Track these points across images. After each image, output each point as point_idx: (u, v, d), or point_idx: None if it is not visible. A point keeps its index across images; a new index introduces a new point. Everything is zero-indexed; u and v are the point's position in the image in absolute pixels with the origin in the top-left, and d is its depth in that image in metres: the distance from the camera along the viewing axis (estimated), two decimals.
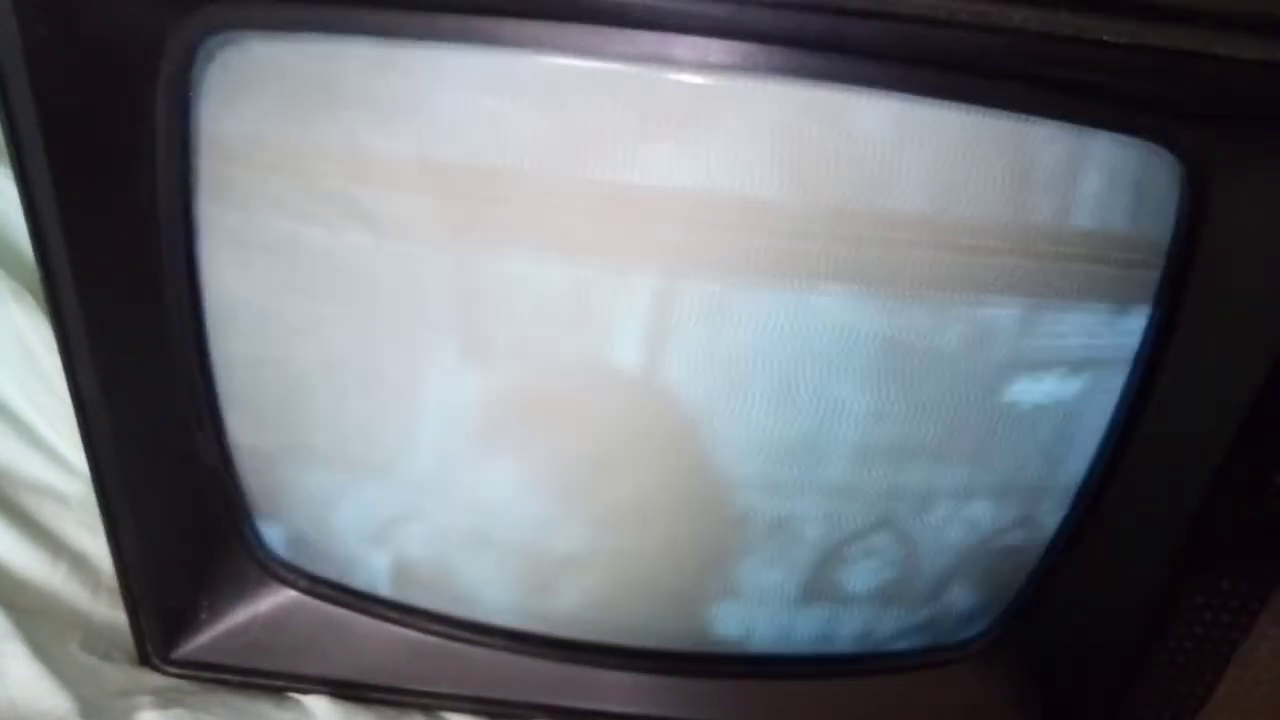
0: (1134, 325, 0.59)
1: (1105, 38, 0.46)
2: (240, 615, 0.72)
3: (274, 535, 0.71)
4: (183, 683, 0.71)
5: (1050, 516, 0.66)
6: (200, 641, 0.72)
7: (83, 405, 0.61)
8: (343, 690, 0.71)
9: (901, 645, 0.73)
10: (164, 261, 0.59)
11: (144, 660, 0.72)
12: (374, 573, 0.71)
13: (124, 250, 0.58)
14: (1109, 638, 0.67)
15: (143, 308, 0.60)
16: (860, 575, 0.68)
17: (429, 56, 0.52)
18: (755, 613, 0.70)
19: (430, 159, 0.54)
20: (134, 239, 0.58)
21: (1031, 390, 0.60)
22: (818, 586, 0.68)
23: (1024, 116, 0.52)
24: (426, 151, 0.54)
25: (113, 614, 0.73)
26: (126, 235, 0.58)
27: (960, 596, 0.70)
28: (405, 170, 0.54)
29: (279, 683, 0.72)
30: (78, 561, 0.76)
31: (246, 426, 0.66)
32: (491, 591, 0.70)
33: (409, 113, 0.53)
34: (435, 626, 0.72)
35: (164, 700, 0.68)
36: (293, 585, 0.72)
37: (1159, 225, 0.56)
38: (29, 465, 0.80)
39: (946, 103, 0.51)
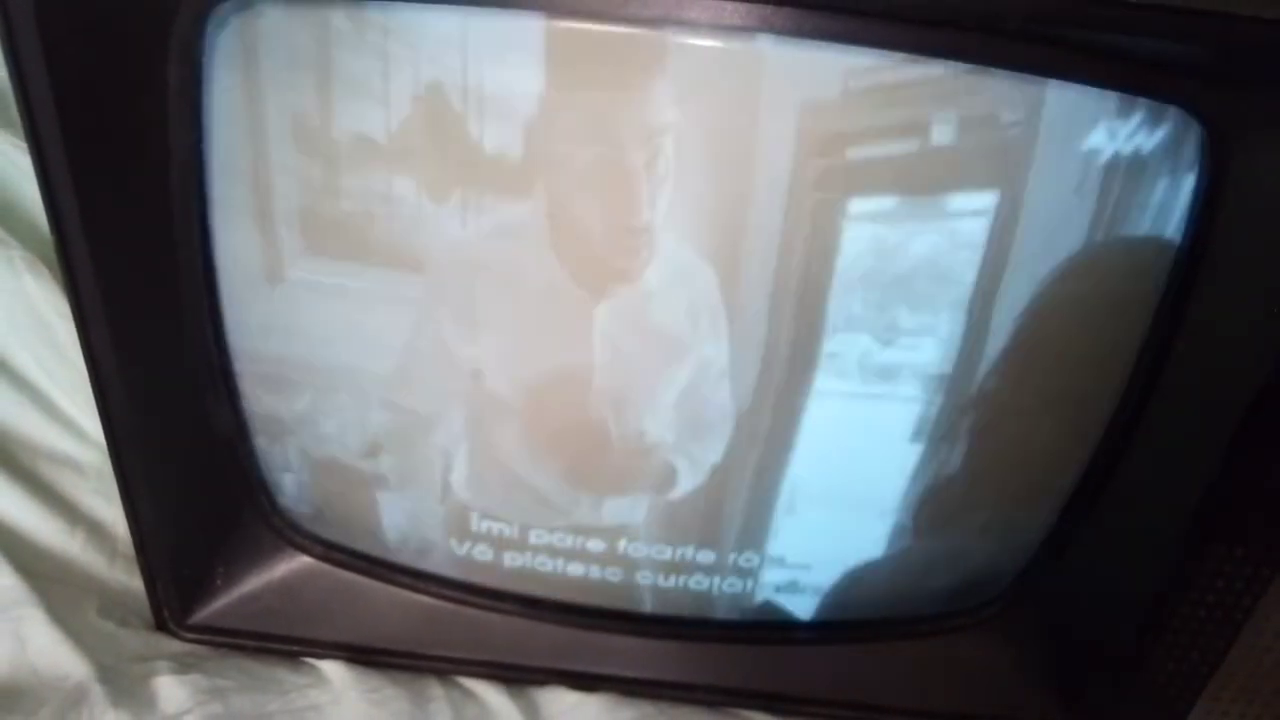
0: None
1: None
2: (255, 581, 0.73)
3: (288, 501, 0.72)
4: (199, 648, 0.72)
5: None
6: (216, 607, 0.72)
7: (98, 374, 0.61)
8: (358, 655, 0.72)
9: (916, 610, 0.73)
10: (177, 230, 0.59)
11: (161, 626, 0.72)
12: (386, 536, 0.71)
13: (138, 219, 0.58)
14: (1123, 603, 0.67)
15: (157, 276, 0.60)
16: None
17: (440, 20, 0.52)
18: (774, 575, 0.70)
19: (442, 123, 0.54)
20: (148, 208, 0.58)
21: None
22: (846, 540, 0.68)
23: (1042, 79, 0.52)
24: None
25: (129, 581, 0.74)
26: (140, 204, 0.58)
27: (976, 558, 0.70)
28: (418, 134, 0.55)
29: (294, 648, 0.72)
30: (94, 529, 0.76)
31: (260, 393, 0.66)
32: (511, 556, 0.71)
33: (421, 77, 0.53)
34: (449, 592, 0.73)
35: (181, 665, 0.68)
36: (307, 551, 0.73)
37: (1179, 191, 0.55)
38: (45, 435, 0.81)
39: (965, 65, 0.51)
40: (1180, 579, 0.64)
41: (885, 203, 0.56)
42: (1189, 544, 0.63)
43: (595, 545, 0.69)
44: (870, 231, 0.56)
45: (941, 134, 0.54)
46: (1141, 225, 0.57)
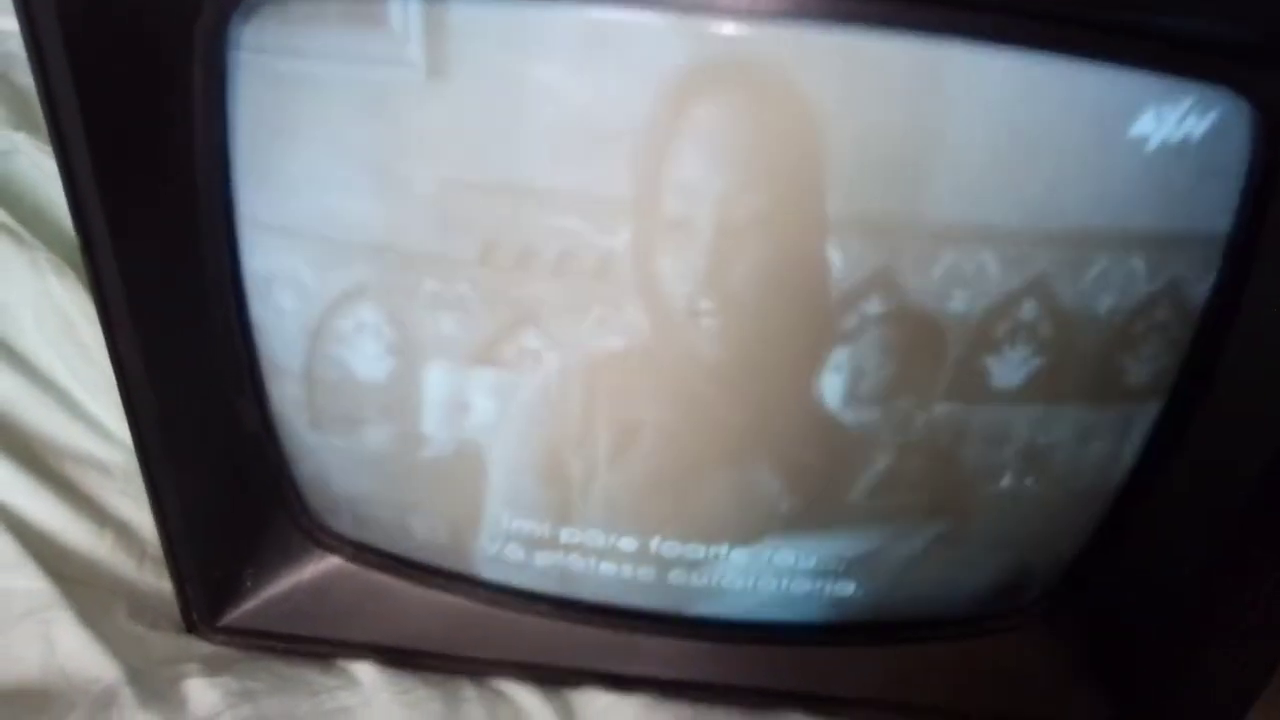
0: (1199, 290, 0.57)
1: None
2: (285, 582, 0.72)
3: (317, 502, 0.71)
4: (229, 650, 0.71)
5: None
6: (246, 609, 0.72)
7: (124, 375, 0.61)
8: (389, 657, 0.71)
9: (960, 609, 0.72)
10: (203, 230, 0.59)
11: (190, 628, 0.72)
12: (416, 536, 0.70)
13: (163, 218, 0.58)
14: (1175, 601, 0.66)
15: (182, 275, 0.60)
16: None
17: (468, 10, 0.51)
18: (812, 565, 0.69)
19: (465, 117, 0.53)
20: (173, 207, 0.57)
21: None
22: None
23: (1088, 61, 0.50)
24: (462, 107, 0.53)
25: (158, 583, 0.74)
26: (165, 203, 0.57)
27: (1021, 554, 0.69)
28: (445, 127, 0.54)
29: (325, 649, 0.72)
30: (122, 531, 0.76)
31: (287, 393, 0.66)
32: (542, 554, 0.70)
33: (449, 71, 0.52)
34: (480, 592, 0.72)
35: (211, 668, 0.68)
36: (337, 552, 0.72)
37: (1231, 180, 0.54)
38: (72, 436, 0.81)
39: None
40: (1236, 575, 0.63)
41: None
42: (1244, 539, 0.62)
43: (627, 544, 0.68)
44: None
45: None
46: (1192, 214, 0.55)
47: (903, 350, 0.59)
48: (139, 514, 0.76)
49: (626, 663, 0.71)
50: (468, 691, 0.70)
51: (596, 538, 0.68)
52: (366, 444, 0.66)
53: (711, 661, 0.72)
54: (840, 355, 0.59)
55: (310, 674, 0.70)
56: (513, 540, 0.69)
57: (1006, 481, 0.64)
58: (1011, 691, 0.71)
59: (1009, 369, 0.60)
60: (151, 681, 0.66)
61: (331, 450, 0.67)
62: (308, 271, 0.60)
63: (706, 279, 0.56)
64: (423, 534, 0.70)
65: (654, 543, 0.68)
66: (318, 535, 0.72)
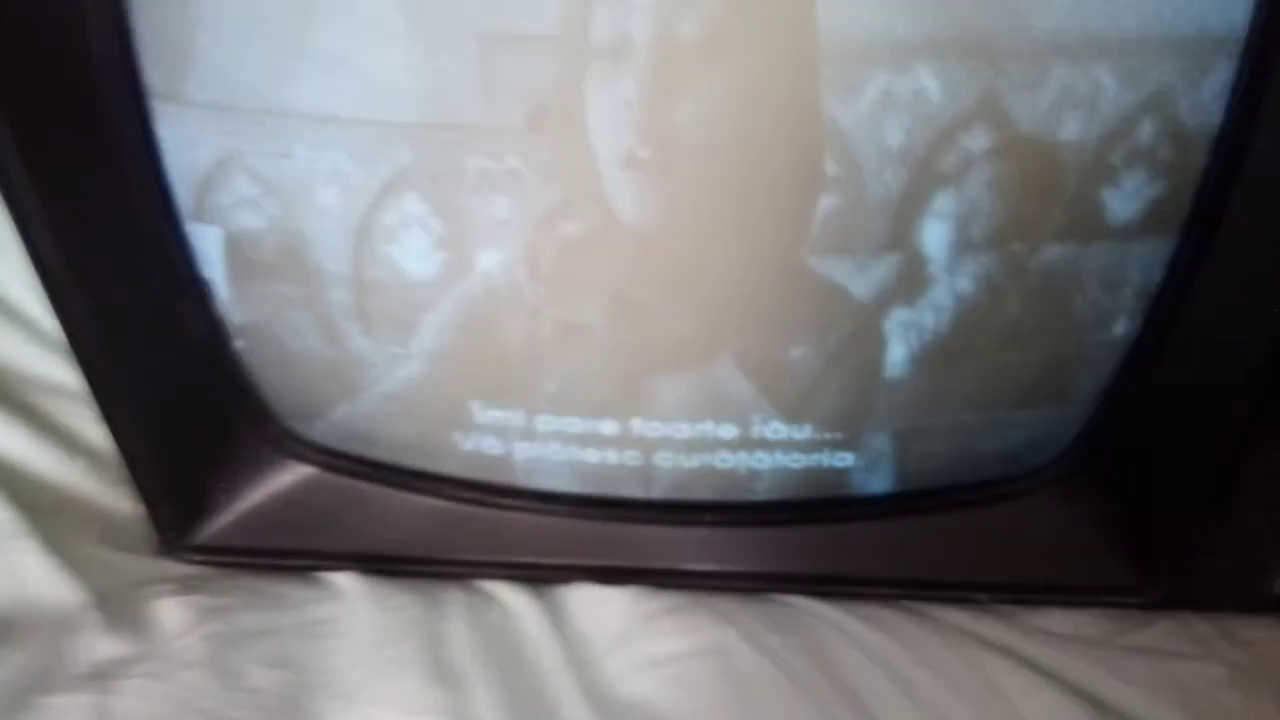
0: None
1: None
2: (258, 496, 0.69)
3: (285, 409, 0.67)
4: (205, 570, 0.69)
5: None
6: (219, 526, 0.69)
7: (50, 281, 0.57)
8: (371, 565, 0.68)
9: (971, 476, 0.67)
10: (112, 116, 0.54)
11: (164, 550, 0.69)
12: (388, 437, 0.67)
13: (66, 109, 0.54)
14: (1192, 463, 0.60)
15: (97, 167, 0.56)
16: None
17: None
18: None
19: None
20: (76, 97, 0.53)
21: None
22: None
23: None
24: None
25: (133, 507, 0.71)
26: (68, 93, 0.53)
27: (1033, 417, 0.64)
28: None
29: (304, 561, 0.69)
30: (94, 458, 0.74)
31: (237, 292, 0.62)
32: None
33: None
34: (460, 492, 0.68)
35: (184, 587, 0.65)
36: (309, 460, 0.69)
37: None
38: (39, 365, 0.79)
39: None
40: (1253, 433, 0.57)
41: None
42: (1261, 395, 0.56)
43: (608, 427, 0.64)
44: None
45: None
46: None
47: (1015, 188, 0.53)
48: (111, 439, 0.73)
49: (616, 555, 0.67)
50: (452, 594, 0.67)
51: (574, 424, 0.64)
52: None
53: (707, 547, 0.68)
54: (944, 200, 0.53)
55: (289, 588, 0.67)
56: (489, 433, 0.65)
57: (1120, 328, 0.59)
58: (1026, 561, 0.66)
59: (1125, 201, 0.54)
60: (119, 604, 0.63)
61: (293, 354, 0.64)
62: (348, 162, 0.54)
63: (644, 121, 0.51)
64: (401, 434, 0.67)
65: (635, 424, 0.64)
66: (288, 445, 0.69)
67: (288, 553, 0.69)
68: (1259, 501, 0.59)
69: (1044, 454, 0.66)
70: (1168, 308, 0.58)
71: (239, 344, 0.64)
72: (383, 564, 0.68)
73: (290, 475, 0.69)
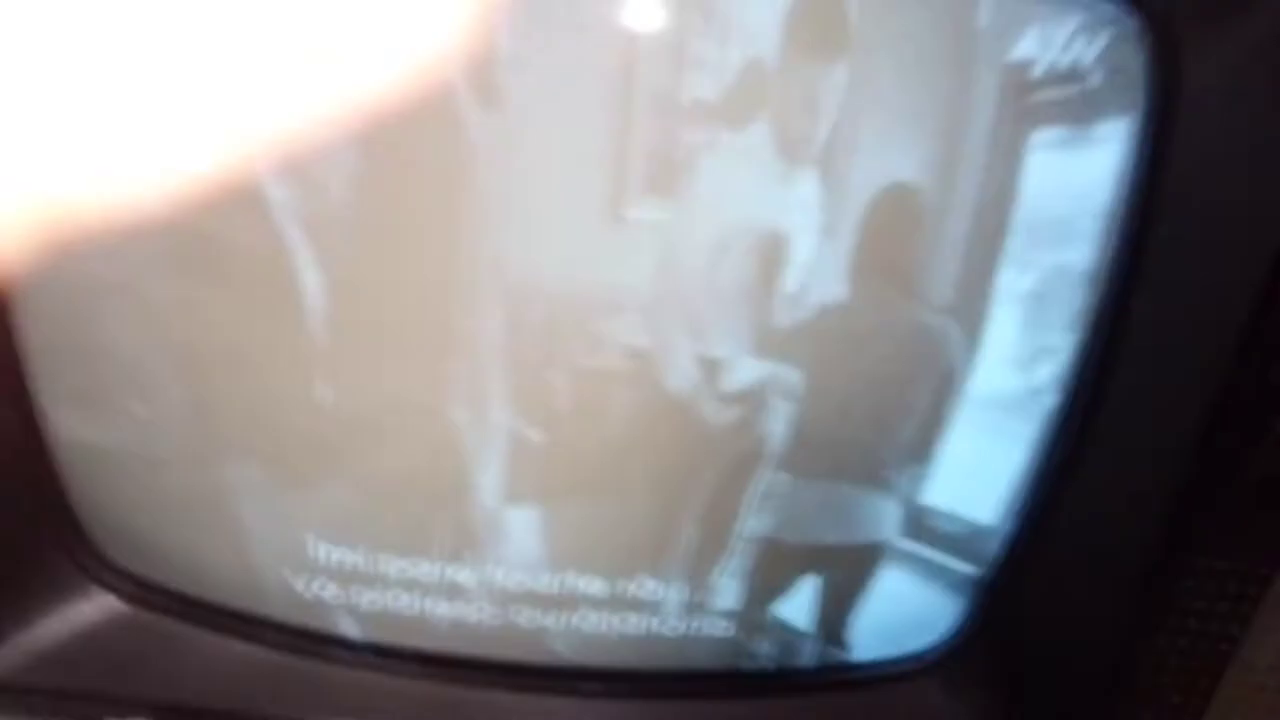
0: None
1: None
2: (52, 627, 0.60)
3: (95, 530, 0.60)
4: None
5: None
6: (2, 658, 0.60)
7: None
8: (167, 715, 0.59)
9: (848, 656, 0.62)
10: None
11: None
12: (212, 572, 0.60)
13: None
14: (1089, 638, 0.57)
15: None
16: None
17: None
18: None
19: None
20: None
21: None
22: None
23: None
24: None
25: None
26: None
27: (918, 591, 0.60)
28: None
29: (97, 709, 0.60)
30: None
31: (54, 399, 0.55)
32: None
33: None
34: (288, 640, 0.61)
35: None
36: (118, 591, 0.61)
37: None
38: None
39: None
40: (1154, 603, 0.55)
41: None
42: (1161, 558, 0.54)
43: (464, 576, 0.58)
44: None
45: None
46: (1084, 148, 0.48)
47: None
48: None
49: None
50: None
51: (427, 570, 0.58)
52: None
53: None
54: None
55: None
56: (323, 575, 0.59)
57: None
58: None
59: None
60: None
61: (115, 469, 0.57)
62: None
63: None
64: (218, 568, 0.60)
65: (495, 573, 0.58)
66: (95, 570, 0.60)
67: (80, 695, 0.60)
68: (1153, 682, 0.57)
69: (934, 632, 0.62)
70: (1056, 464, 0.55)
71: (61, 459, 0.57)
72: (181, 715, 0.60)
73: (96, 605, 0.61)
